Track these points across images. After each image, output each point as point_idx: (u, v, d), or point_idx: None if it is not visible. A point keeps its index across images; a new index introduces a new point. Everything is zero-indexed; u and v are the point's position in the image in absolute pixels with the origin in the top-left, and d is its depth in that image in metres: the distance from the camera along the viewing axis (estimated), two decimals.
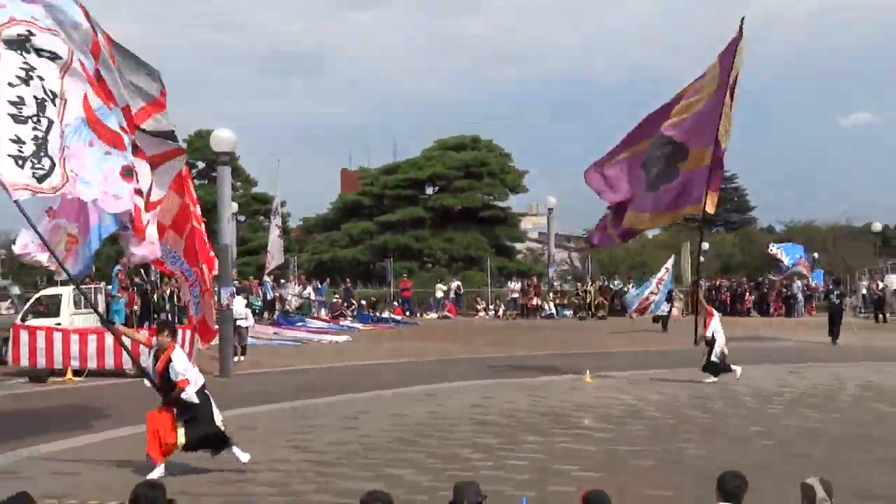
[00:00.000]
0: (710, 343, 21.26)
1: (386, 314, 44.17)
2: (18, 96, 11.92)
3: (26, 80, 12.02)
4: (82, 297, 25.53)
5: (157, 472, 11.39)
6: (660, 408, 17.82)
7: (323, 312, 42.65)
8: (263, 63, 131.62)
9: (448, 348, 30.57)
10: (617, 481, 10.63)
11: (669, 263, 34.09)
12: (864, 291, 44.76)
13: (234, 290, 26.63)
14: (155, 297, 27.80)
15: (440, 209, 60.63)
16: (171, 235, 18.70)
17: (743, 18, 21.29)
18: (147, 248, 13.97)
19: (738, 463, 9.35)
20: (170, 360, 12.14)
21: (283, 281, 43.83)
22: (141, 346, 21.25)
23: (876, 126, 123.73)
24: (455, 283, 50.38)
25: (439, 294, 48.51)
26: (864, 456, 13.02)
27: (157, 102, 13.62)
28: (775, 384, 20.41)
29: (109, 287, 27.12)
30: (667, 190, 21.91)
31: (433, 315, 46.59)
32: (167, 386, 12.11)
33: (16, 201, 11.92)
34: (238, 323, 25.66)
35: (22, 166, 11.82)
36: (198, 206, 19.35)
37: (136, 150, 13.10)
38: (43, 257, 15.73)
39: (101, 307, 25.63)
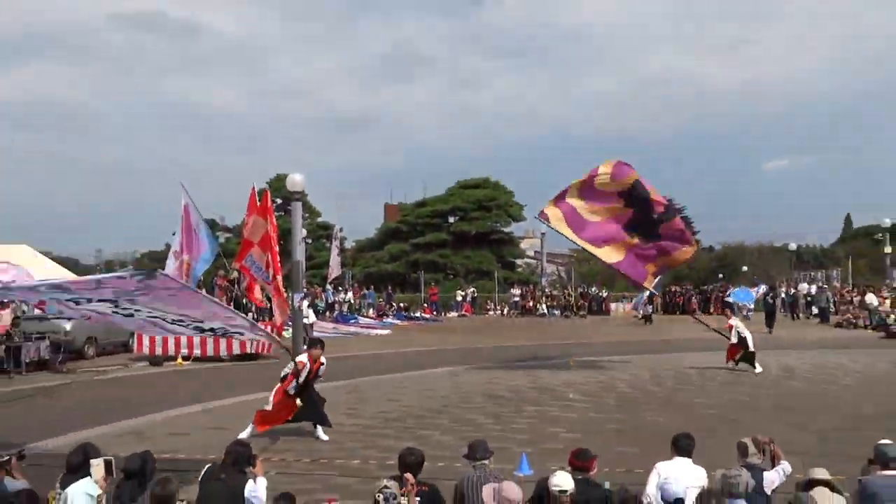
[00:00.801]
0: (744, 341, 19.77)
1: (418, 314, 44.12)
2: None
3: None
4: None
5: (246, 433, 11.40)
6: (628, 384, 17.73)
7: (371, 312, 42.65)
8: (328, 123, 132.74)
9: (465, 339, 30.51)
10: (594, 441, 10.56)
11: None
12: (783, 296, 44.40)
13: (304, 295, 26.68)
14: (244, 301, 27.79)
15: (459, 233, 60.62)
16: (256, 251, 18.83)
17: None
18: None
19: (688, 427, 9.27)
20: (322, 365, 12.24)
21: (339, 289, 43.89)
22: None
23: (791, 170, 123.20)
24: (471, 290, 50.38)
25: (458, 298, 48.52)
26: (784, 421, 12.94)
27: None
28: (716, 366, 20.24)
29: (213, 294, 27.15)
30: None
31: (454, 314, 46.51)
32: (311, 381, 12.15)
33: None
34: (304, 320, 25.73)
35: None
36: (276, 232, 19.51)
37: None
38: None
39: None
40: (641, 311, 39.26)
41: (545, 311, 45.47)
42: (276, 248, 21.66)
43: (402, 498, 6.18)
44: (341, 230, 49.06)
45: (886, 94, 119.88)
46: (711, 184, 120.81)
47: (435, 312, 45.54)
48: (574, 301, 46.38)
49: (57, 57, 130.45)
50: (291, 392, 11.99)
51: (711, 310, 44.30)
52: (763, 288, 42.37)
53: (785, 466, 7.03)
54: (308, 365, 12.08)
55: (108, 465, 6.44)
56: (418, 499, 6.38)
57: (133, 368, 22.04)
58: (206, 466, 6.99)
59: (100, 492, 6.31)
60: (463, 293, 49.25)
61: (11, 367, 20.19)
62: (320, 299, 40.20)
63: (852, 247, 64.06)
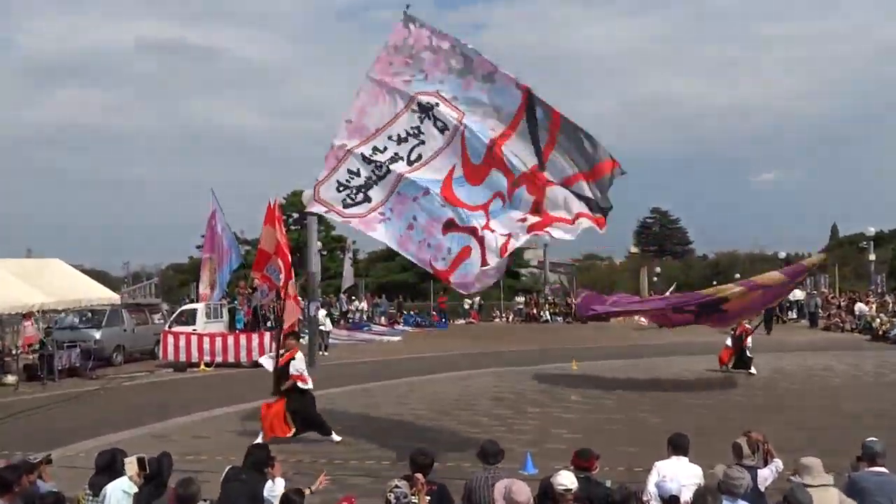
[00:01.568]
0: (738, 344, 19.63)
1: (426, 321, 43.83)
2: (384, 146, 10.77)
3: (404, 140, 10.74)
4: (212, 310, 25.74)
5: (260, 437, 11.34)
6: (625, 386, 17.66)
7: (383, 320, 42.61)
8: None
9: (473, 345, 30.44)
10: (595, 441, 10.50)
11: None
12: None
13: (320, 303, 26.72)
14: (263, 310, 27.82)
15: None
16: (273, 259, 18.92)
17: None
18: None
19: (684, 426, 9.21)
20: (292, 359, 12.10)
21: (353, 298, 43.89)
22: (266, 344, 21.56)
23: (780, 181, 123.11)
24: (477, 298, 50.18)
25: (466, 306, 48.40)
26: (776, 420, 12.86)
27: (594, 171, 10.03)
28: (710, 369, 20.15)
29: (234, 303, 27.19)
30: None
31: (462, 321, 46.41)
32: (282, 377, 12.02)
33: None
34: (320, 328, 25.80)
35: (340, 191, 11.03)
36: (285, 239, 19.75)
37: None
38: None
39: (226, 318, 25.75)
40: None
41: (548, 317, 45.36)
42: (287, 253, 21.68)
43: (413, 497, 6.16)
44: (354, 242, 49.14)
45: (869, 111, 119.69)
46: (705, 196, 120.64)
47: (443, 319, 45.41)
48: (575, 308, 46.23)
49: (88, 81, 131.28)
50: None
51: None
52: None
53: (777, 464, 7.00)
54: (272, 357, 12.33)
55: (140, 462, 6.49)
56: (428, 498, 6.35)
57: (158, 374, 22.07)
58: (228, 468, 6.97)
59: (135, 489, 6.34)
60: (470, 301, 49.12)
61: (45, 374, 20.24)
62: (335, 308, 40.28)
63: (838, 254, 63.86)
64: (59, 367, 20.63)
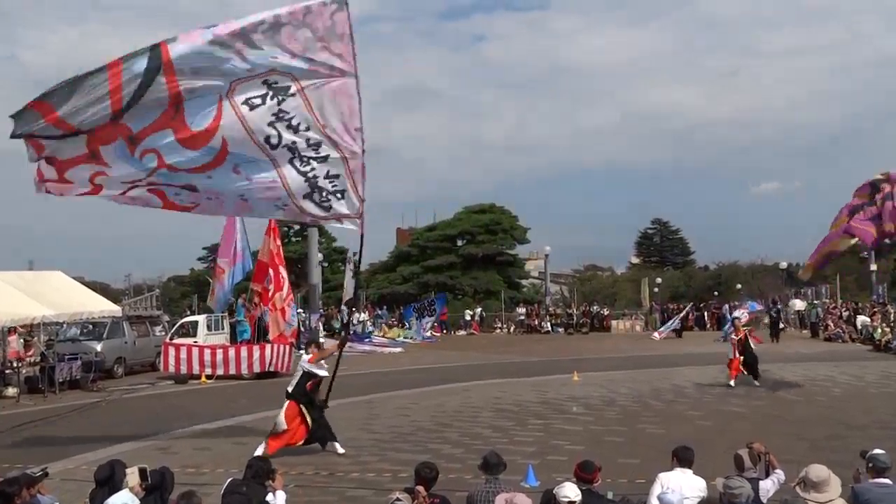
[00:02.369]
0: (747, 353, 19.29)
1: (428, 332, 43.71)
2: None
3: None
4: (213, 322, 25.74)
5: (260, 450, 11.27)
6: (628, 398, 17.59)
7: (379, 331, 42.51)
8: None
9: (474, 356, 30.40)
10: (597, 453, 10.47)
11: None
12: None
13: (321, 314, 26.73)
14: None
15: (467, 256, 60.49)
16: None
17: None
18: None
19: (687, 438, 9.20)
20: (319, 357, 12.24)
21: (353, 309, 43.83)
22: (268, 356, 21.74)
23: (781, 192, 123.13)
24: (478, 309, 50.21)
25: (467, 317, 48.40)
26: (777, 431, 12.83)
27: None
28: (711, 380, 20.10)
29: (235, 314, 27.17)
30: None
31: (463, 332, 46.36)
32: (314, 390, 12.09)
33: None
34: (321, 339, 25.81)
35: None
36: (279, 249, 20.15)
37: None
38: None
39: (228, 329, 25.76)
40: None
41: (549, 328, 45.32)
42: (277, 264, 21.87)
43: None
44: (355, 254, 49.08)
45: (869, 121, 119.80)
46: (706, 207, 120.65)
47: (444, 331, 45.32)
48: (576, 318, 46.24)
49: None
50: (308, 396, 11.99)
51: (708, 325, 44.20)
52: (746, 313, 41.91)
53: (779, 475, 6.97)
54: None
55: (142, 472, 6.48)
56: None
57: (159, 386, 22.04)
58: (228, 480, 6.95)
59: (137, 501, 6.32)
60: (471, 312, 49.12)
61: (46, 386, 20.21)
62: (336, 319, 40.21)
63: (840, 264, 63.77)
64: (61, 380, 20.62)
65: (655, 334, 39.16)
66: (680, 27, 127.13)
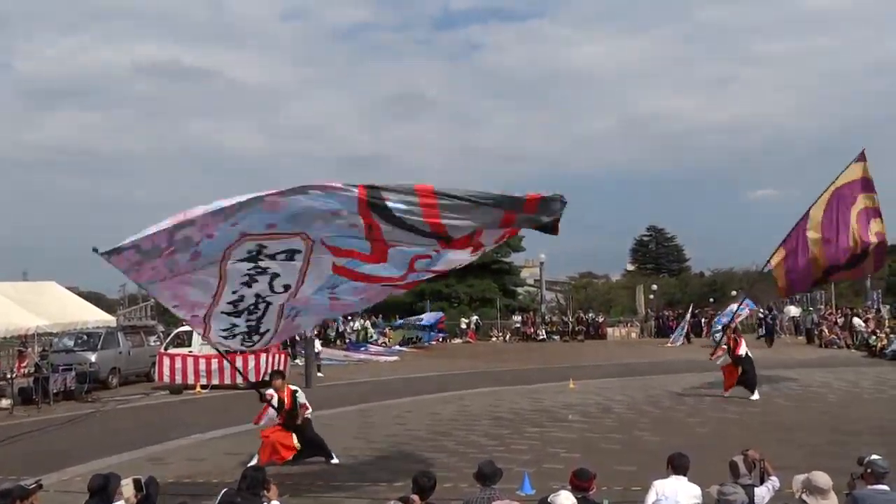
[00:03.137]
0: (745, 361, 18.43)
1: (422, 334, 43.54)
2: (240, 296, 9.53)
3: (250, 283, 9.37)
4: None
5: (255, 460, 11.23)
6: (624, 405, 17.60)
7: (379, 339, 42.48)
8: (339, 161, 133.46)
9: (470, 364, 30.38)
10: (593, 460, 10.46)
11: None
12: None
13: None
14: None
15: None
16: None
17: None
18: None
19: (683, 445, 9.20)
20: (295, 392, 11.93)
21: (349, 318, 43.78)
22: (263, 366, 21.74)
23: (776, 199, 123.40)
24: (474, 317, 50.23)
25: (463, 325, 48.37)
26: (773, 437, 12.84)
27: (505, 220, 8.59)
28: (707, 386, 20.11)
29: None
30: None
31: (459, 341, 46.34)
32: (292, 412, 11.79)
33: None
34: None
35: (232, 338, 10.55)
36: None
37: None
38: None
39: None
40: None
41: (545, 336, 45.32)
42: None
43: None
44: None
45: (862, 127, 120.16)
46: (701, 214, 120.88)
47: (441, 339, 45.28)
48: (572, 326, 46.25)
49: (88, 104, 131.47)
50: (270, 424, 11.80)
51: (704, 333, 44.21)
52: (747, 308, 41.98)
53: (774, 481, 6.97)
54: (275, 395, 11.77)
55: (136, 483, 6.45)
56: None
57: (154, 397, 21.98)
58: (223, 490, 6.93)
59: None
60: (467, 320, 49.11)
61: (40, 397, 20.14)
62: (331, 328, 40.16)
63: None
64: (55, 391, 20.54)
65: (669, 343, 39.74)
66: (676, 35, 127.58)
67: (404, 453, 12.65)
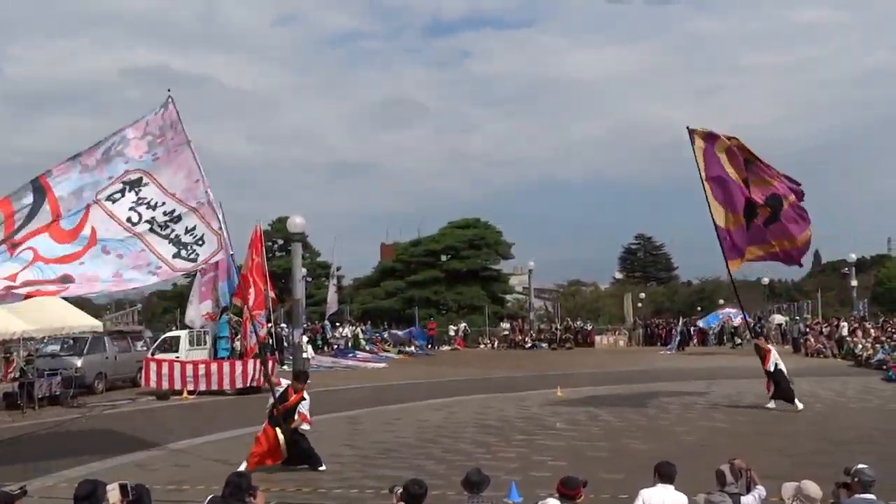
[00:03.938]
0: (777, 374, 17.86)
1: (412, 348, 43.54)
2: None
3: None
4: (195, 337, 25.56)
5: (243, 466, 11.17)
6: (610, 413, 17.61)
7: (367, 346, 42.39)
8: (328, 168, 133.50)
9: (458, 371, 30.35)
10: (580, 469, 10.45)
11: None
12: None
13: (303, 330, 26.62)
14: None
15: (451, 271, 60.50)
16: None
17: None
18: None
19: (669, 453, 9.21)
20: (303, 398, 12.00)
21: (337, 324, 43.73)
22: (250, 372, 21.76)
23: None
24: (463, 325, 50.23)
25: (451, 332, 48.35)
26: (760, 446, 12.88)
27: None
28: (695, 394, 20.16)
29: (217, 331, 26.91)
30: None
31: (447, 348, 46.29)
32: (288, 414, 11.87)
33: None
34: (303, 355, 25.70)
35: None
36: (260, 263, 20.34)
37: None
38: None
39: (209, 345, 25.55)
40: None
41: (533, 343, 45.33)
42: (257, 278, 21.82)
43: None
44: (339, 269, 49.10)
45: (849, 138, 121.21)
46: (689, 222, 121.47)
47: (430, 346, 45.23)
48: (560, 334, 46.28)
49: (76, 109, 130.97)
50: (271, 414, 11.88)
51: (694, 341, 44.36)
52: (736, 315, 42.18)
53: (760, 491, 6.98)
54: (286, 387, 12.12)
55: (123, 488, 6.40)
56: None
57: (140, 402, 21.85)
58: (209, 497, 6.89)
59: None
60: (455, 328, 49.10)
61: (25, 402, 19.98)
62: (320, 335, 40.09)
63: (821, 280, 64.30)
64: (40, 396, 20.38)
65: (665, 351, 40.48)
66: (665, 45, 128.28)
67: (392, 460, 12.61)
